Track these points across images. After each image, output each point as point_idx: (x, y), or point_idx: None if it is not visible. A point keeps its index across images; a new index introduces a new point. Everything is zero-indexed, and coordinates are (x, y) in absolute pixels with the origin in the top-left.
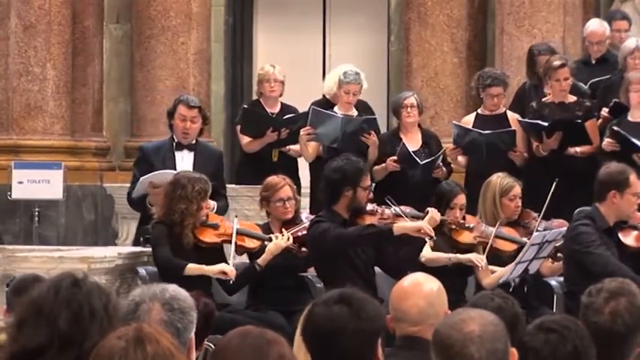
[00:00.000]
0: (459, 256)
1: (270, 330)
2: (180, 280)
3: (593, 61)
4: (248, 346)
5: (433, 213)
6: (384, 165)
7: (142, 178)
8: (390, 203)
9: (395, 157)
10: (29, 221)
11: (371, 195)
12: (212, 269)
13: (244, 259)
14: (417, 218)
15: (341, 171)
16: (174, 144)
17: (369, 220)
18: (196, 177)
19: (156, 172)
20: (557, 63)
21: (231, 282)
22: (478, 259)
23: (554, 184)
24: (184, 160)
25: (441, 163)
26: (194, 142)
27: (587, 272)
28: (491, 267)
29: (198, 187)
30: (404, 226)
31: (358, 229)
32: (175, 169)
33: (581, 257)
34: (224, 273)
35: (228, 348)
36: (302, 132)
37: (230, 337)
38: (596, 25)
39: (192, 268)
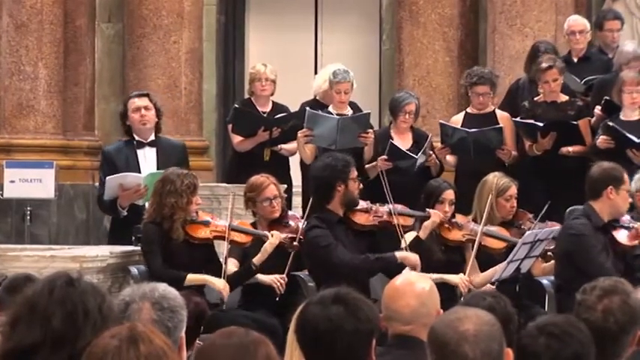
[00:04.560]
0: (443, 276)
1: (255, 331)
2: None
3: (575, 60)
4: (233, 345)
5: (435, 216)
6: (374, 164)
7: (108, 179)
8: (388, 199)
9: (385, 157)
10: (21, 220)
11: (360, 185)
12: (215, 281)
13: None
14: (411, 217)
15: (330, 167)
16: (134, 142)
17: (363, 217)
18: (185, 172)
19: (121, 174)
20: (544, 65)
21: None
22: (464, 283)
23: (546, 206)
24: (147, 158)
25: (431, 152)
26: (154, 138)
27: (583, 271)
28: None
29: (187, 182)
30: (406, 256)
31: (366, 261)
32: (139, 168)
33: (582, 264)
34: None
35: (212, 348)
36: (299, 134)
37: (214, 337)
38: (576, 17)
39: (193, 279)
